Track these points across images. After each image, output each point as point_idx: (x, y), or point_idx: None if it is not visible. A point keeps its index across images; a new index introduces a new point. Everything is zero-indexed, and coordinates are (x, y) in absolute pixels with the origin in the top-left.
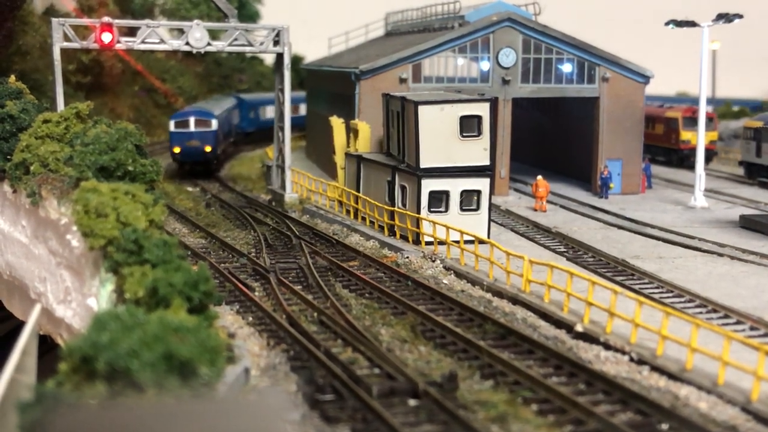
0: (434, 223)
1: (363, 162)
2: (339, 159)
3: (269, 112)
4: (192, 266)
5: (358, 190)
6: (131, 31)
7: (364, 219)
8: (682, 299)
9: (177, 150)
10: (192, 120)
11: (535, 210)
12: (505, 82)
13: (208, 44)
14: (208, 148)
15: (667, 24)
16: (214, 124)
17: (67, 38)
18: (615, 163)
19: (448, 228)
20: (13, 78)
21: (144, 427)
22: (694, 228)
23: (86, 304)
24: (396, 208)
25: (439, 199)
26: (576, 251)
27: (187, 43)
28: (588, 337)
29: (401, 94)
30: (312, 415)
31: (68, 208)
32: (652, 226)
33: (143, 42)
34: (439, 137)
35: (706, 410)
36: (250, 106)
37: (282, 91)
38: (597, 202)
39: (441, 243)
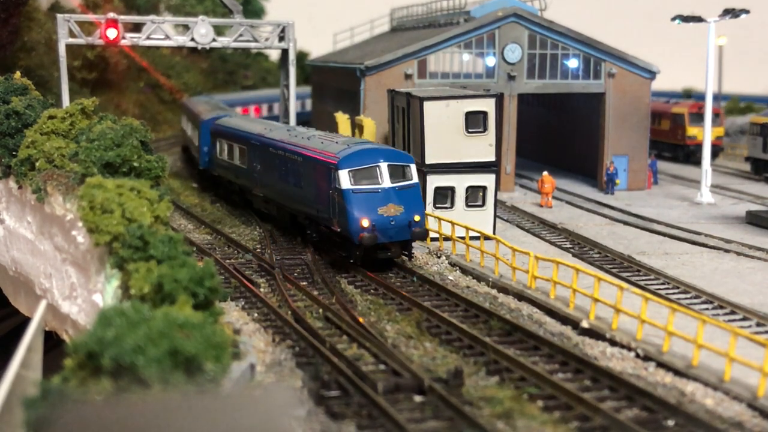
0: (440, 219)
1: None
2: None
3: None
4: (197, 262)
5: None
6: (136, 27)
7: None
8: (689, 295)
9: (366, 223)
10: (385, 168)
11: (541, 206)
12: (511, 77)
13: (213, 40)
14: (417, 218)
15: (673, 19)
16: (414, 170)
17: (72, 34)
18: (621, 159)
19: (453, 224)
20: (18, 74)
21: (149, 423)
22: (701, 224)
23: (92, 300)
24: None
25: (444, 195)
26: (582, 247)
27: (193, 39)
28: (594, 334)
29: (406, 90)
30: (317, 411)
31: (74, 204)
32: (658, 222)
33: (148, 38)
34: (444, 133)
35: (713, 406)
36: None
37: (287, 87)
38: (603, 198)
39: (446, 239)
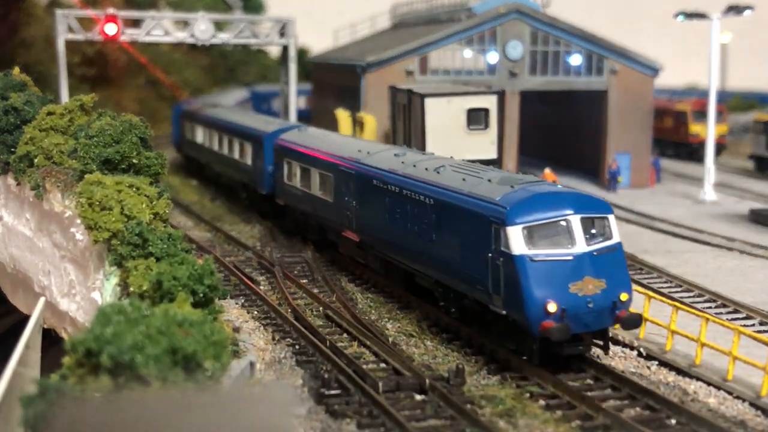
0: None
1: None
2: None
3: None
4: (197, 260)
5: None
6: (136, 23)
7: None
8: (691, 294)
9: (552, 308)
10: (577, 223)
11: None
12: (513, 74)
13: (214, 36)
14: (624, 296)
15: (676, 16)
16: (614, 224)
17: (71, 30)
18: (624, 156)
19: None
20: (17, 70)
21: (148, 420)
22: (704, 222)
23: (90, 298)
24: None
25: None
26: None
27: (192, 35)
28: None
29: (408, 87)
30: (318, 409)
31: (72, 201)
32: (661, 220)
33: (148, 34)
34: (445, 130)
35: (715, 405)
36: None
37: (287, 83)
38: (605, 195)
39: None
